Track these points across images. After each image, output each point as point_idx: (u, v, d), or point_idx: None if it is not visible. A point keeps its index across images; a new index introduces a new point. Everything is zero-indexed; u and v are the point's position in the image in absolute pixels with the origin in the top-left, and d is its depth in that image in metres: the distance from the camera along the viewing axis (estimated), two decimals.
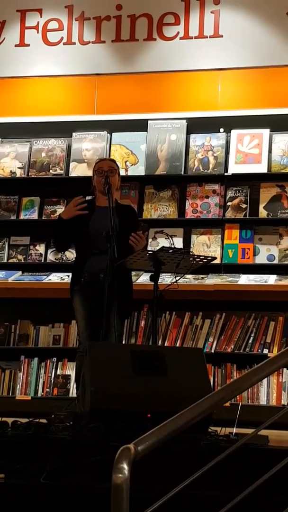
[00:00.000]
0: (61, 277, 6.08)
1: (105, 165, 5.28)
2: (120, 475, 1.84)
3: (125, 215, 5.21)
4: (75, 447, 3.80)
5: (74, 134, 6.67)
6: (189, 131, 6.49)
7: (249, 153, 6.37)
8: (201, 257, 5.07)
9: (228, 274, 6.16)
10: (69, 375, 6.13)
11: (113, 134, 6.63)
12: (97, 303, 5.01)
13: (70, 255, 5.62)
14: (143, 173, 6.52)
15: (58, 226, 5.31)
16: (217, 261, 6.07)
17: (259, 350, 5.97)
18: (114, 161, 5.57)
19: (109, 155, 6.46)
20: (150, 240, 6.25)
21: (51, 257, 6.45)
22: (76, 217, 5.20)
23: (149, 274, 4.92)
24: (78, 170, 6.55)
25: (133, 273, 5.40)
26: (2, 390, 6.31)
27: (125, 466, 1.86)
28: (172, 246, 5.56)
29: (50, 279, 6.28)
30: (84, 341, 5.14)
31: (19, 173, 6.71)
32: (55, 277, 6.25)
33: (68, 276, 5.48)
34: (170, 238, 5.83)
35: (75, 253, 5.31)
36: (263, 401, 5.84)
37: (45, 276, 6.34)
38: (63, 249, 5.54)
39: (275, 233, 6.27)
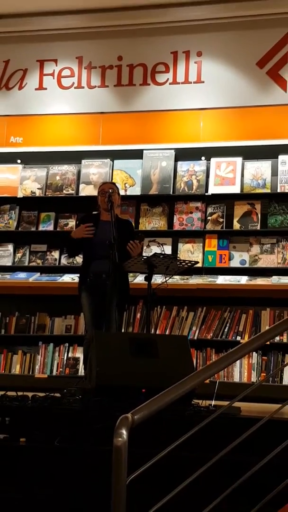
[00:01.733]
0: (72, 278, 6.06)
1: (107, 187, 5.28)
2: (120, 439, 1.85)
3: (123, 227, 5.21)
4: (83, 417, 3.80)
5: (83, 161, 6.66)
6: (176, 159, 6.49)
7: (225, 177, 6.37)
8: (186, 262, 5.07)
9: (208, 275, 6.16)
10: (78, 358, 6.12)
11: (115, 161, 6.62)
12: (100, 299, 5.00)
13: (79, 259, 5.60)
14: (139, 193, 6.51)
15: (69, 242, 5.33)
16: (199, 264, 6.10)
17: (233, 337, 5.96)
18: (114, 183, 5.59)
19: (112, 179, 6.46)
20: (145, 247, 6.23)
21: (63, 261, 6.43)
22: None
23: (144, 275, 4.91)
24: (86, 190, 6.54)
25: (130, 274, 5.39)
26: (23, 369, 6.30)
27: (124, 431, 1.87)
28: (163, 252, 5.54)
29: (63, 279, 6.27)
30: (90, 329, 5.13)
31: (38, 193, 6.69)
32: (67, 278, 6.23)
33: (77, 277, 5.47)
34: (161, 246, 5.82)
35: (83, 258, 5.31)
36: (236, 379, 5.83)
37: (59, 277, 6.33)
38: (74, 256, 5.54)
39: (246, 242, 6.27)
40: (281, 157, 6.25)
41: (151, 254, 5.12)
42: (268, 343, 5.61)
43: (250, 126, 6.25)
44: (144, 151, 6.52)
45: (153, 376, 3.87)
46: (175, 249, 6.37)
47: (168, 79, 6.49)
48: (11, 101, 6.78)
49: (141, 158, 6.54)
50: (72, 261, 5.97)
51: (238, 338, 5.95)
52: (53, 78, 6.74)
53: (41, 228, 6.67)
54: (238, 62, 6.32)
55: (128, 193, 6.47)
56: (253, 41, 6.28)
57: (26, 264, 6.62)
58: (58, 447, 3.46)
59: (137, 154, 6.55)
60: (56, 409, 3.98)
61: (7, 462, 3.44)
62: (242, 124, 6.28)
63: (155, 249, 6.16)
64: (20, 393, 4.28)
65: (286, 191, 6.18)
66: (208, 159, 6.44)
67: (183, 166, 6.48)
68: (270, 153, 6.30)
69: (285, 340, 5.79)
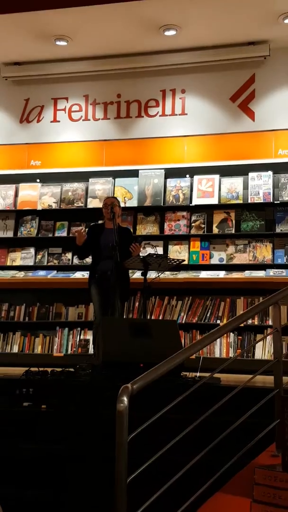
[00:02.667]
0: (82, 274, 6.04)
1: (109, 201, 5.29)
2: (122, 404, 1.85)
3: (123, 233, 5.22)
4: (92, 387, 3.81)
5: (90, 179, 6.64)
6: (166, 177, 6.47)
7: (206, 191, 6.36)
8: (175, 260, 5.06)
9: (193, 271, 6.16)
10: (89, 339, 6.11)
11: (116, 179, 6.60)
12: (106, 291, 5.01)
13: (88, 260, 5.58)
14: (136, 205, 6.48)
15: (75, 248, 5.37)
16: (185, 262, 6.07)
17: (214, 321, 5.95)
18: (116, 198, 5.59)
19: (113, 194, 6.45)
20: (142, 248, 6.23)
21: (75, 261, 6.42)
22: (91, 237, 5.23)
23: (140, 271, 4.91)
24: (93, 203, 6.53)
25: (130, 271, 5.38)
26: (44, 350, 6.28)
27: (125, 399, 1.87)
28: (156, 253, 5.55)
29: (75, 276, 6.26)
30: (98, 316, 5.14)
31: (54, 206, 6.67)
32: (78, 274, 6.22)
33: (87, 274, 5.46)
34: (154, 248, 5.85)
35: (91, 259, 5.30)
36: (217, 354, 5.82)
37: (71, 274, 6.32)
38: (83, 259, 5.52)
39: (223, 244, 6.26)
40: (251, 174, 6.24)
41: (146, 254, 5.12)
42: (242, 325, 5.63)
43: (225, 149, 6.26)
44: (140, 171, 6.51)
45: (148, 353, 3.87)
46: (165, 250, 6.35)
47: (158, 112, 6.49)
48: (31, 132, 6.77)
49: (137, 176, 6.52)
50: (82, 261, 5.96)
51: (218, 321, 5.94)
52: (65, 113, 6.73)
53: (56, 234, 6.66)
54: (214, 97, 6.33)
55: (127, 205, 6.46)
56: (226, 80, 6.29)
57: (45, 263, 6.60)
58: (72, 412, 3.48)
59: (134, 173, 6.53)
60: (70, 381, 4.01)
61: (31, 424, 3.46)
62: (218, 147, 6.28)
63: (149, 250, 6.16)
64: (41, 369, 4.29)
65: (255, 201, 6.17)
66: (191, 176, 6.43)
67: (171, 182, 6.47)
68: (241, 171, 6.29)
69: (256, 323, 5.79)
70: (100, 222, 5.42)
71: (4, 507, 2.52)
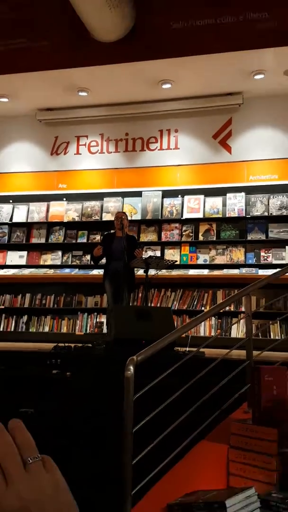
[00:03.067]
0: (98, 272, 6.05)
1: (119, 215, 5.31)
2: (129, 372, 1.85)
3: (130, 240, 5.23)
4: (106, 359, 3.82)
5: (104, 198, 6.65)
6: (163, 197, 6.48)
7: (193, 207, 6.37)
8: (170, 261, 5.08)
9: (183, 269, 6.16)
10: (103, 322, 6.11)
11: (124, 198, 6.61)
12: (117, 285, 5.01)
13: (103, 260, 5.57)
14: (139, 218, 6.49)
15: (92, 257, 5.35)
16: (178, 262, 6.08)
17: (200, 308, 5.96)
18: (124, 213, 5.60)
19: (122, 209, 6.45)
20: (144, 252, 6.24)
21: (92, 262, 6.45)
22: (105, 243, 5.25)
23: (143, 269, 4.92)
24: (107, 217, 6.53)
25: (135, 269, 5.39)
26: (68, 329, 6.29)
27: (131, 367, 1.87)
28: (155, 255, 5.56)
29: (92, 273, 6.26)
30: (110, 304, 5.15)
31: (76, 219, 6.68)
32: (95, 272, 6.23)
33: (102, 271, 5.47)
34: (154, 251, 5.86)
35: (105, 259, 5.30)
36: (202, 333, 5.82)
37: (90, 271, 6.33)
38: (97, 264, 5.47)
39: (207, 248, 6.26)
40: (228, 195, 6.24)
41: (147, 256, 5.13)
42: (221, 311, 5.64)
43: (208, 176, 6.26)
44: (143, 192, 6.51)
45: (149, 332, 3.88)
46: (162, 253, 6.35)
47: (157, 147, 6.50)
48: (59, 162, 6.77)
49: (141, 196, 6.53)
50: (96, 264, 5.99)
51: (203, 308, 5.95)
52: (85, 147, 6.74)
53: (78, 241, 6.67)
54: (200, 135, 6.33)
55: (133, 218, 6.46)
56: (210, 123, 6.29)
57: (69, 263, 6.61)
58: (90, 377, 3.48)
59: (138, 194, 6.54)
60: (89, 354, 4.01)
61: (60, 387, 3.46)
62: (203, 174, 6.29)
63: (150, 253, 6.18)
64: (66, 344, 4.30)
65: (232, 216, 6.18)
66: (182, 196, 6.44)
67: (167, 201, 6.48)
68: (221, 192, 6.29)
69: (232, 309, 5.80)
70: (112, 231, 5.42)
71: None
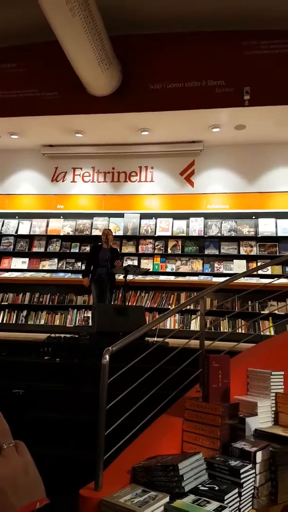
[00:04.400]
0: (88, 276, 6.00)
1: (105, 231, 5.28)
2: (105, 360, 1.82)
3: (113, 252, 5.20)
4: (90, 347, 3.75)
5: (94, 218, 6.62)
6: (141, 218, 6.48)
7: (164, 227, 6.40)
8: (144, 269, 5.08)
9: (155, 275, 6.16)
10: (89, 316, 6.05)
11: (110, 218, 6.59)
12: (101, 287, 4.97)
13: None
14: (122, 234, 6.47)
15: (83, 275, 5.27)
16: (151, 270, 6.10)
17: (167, 306, 5.97)
18: (110, 229, 5.57)
19: (108, 227, 6.43)
20: (124, 261, 6.21)
21: (83, 268, 6.38)
22: (93, 252, 5.19)
23: (123, 275, 4.90)
24: (95, 232, 6.48)
25: (116, 274, 5.36)
26: (60, 322, 6.19)
27: (107, 356, 1.84)
28: (133, 264, 5.54)
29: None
30: (95, 302, 5.09)
31: (71, 233, 6.62)
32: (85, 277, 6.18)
33: (90, 276, 5.41)
34: (132, 261, 5.84)
35: (93, 267, 5.24)
36: (167, 327, 5.82)
37: (80, 275, 6.25)
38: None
39: (174, 259, 6.29)
40: (191, 219, 6.31)
41: (127, 264, 5.11)
42: (183, 309, 5.65)
43: (176, 203, 6.32)
44: (125, 214, 6.51)
45: (126, 326, 3.86)
46: (139, 262, 6.34)
47: (136, 179, 6.52)
48: (58, 187, 6.71)
49: (123, 217, 6.53)
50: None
51: (169, 306, 5.96)
52: (80, 177, 6.70)
53: (72, 251, 6.59)
54: (170, 172, 6.40)
55: (116, 234, 6.44)
56: (177, 163, 6.36)
57: (64, 269, 6.52)
58: (76, 362, 3.41)
59: (121, 215, 6.53)
60: (76, 343, 3.93)
61: (50, 369, 3.38)
62: (172, 202, 6.34)
63: (129, 262, 6.16)
64: (57, 335, 4.21)
65: (193, 235, 6.23)
66: (156, 218, 6.46)
67: (144, 221, 6.49)
68: (185, 216, 6.35)
69: (192, 308, 5.82)
70: (99, 243, 5.38)
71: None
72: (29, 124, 5.80)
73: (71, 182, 6.70)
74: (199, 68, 5.19)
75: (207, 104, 5.14)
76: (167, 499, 1.51)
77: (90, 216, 6.63)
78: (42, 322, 6.22)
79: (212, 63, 5.17)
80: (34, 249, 6.68)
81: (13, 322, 6.26)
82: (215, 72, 5.15)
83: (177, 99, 5.19)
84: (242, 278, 3.18)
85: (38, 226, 6.74)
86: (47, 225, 6.73)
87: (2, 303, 6.37)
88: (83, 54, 4.43)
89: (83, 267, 5.64)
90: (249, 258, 6.03)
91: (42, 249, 6.66)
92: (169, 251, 6.31)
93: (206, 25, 5.09)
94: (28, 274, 6.41)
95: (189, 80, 5.21)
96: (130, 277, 5.02)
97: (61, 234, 6.63)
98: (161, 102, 5.22)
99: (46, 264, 6.59)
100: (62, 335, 4.23)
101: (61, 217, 6.72)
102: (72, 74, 4.93)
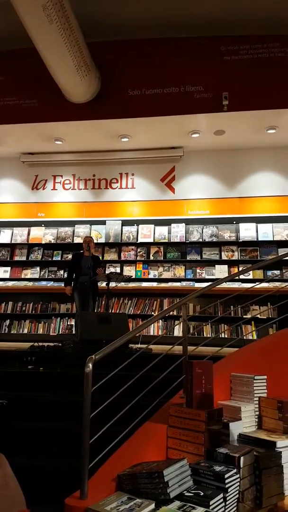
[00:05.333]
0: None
1: (87, 239, 5.28)
2: (88, 368, 1.81)
3: (95, 259, 5.19)
4: (73, 356, 3.72)
5: (76, 225, 6.59)
6: (122, 225, 6.49)
7: (146, 234, 6.42)
8: (127, 276, 5.07)
9: (138, 282, 6.16)
10: (72, 325, 6.00)
11: (92, 225, 6.57)
12: (84, 295, 4.95)
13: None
14: (104, 241, 6.46)
15: (65, 283, 5.20)
16: (133, 277, 6.10)
17: (150, 313, 5.98)
18: (91, 237, 5.55)
19: (90, 234, 6.42)
20: (107, 269, 6.20)
21: (65, 276, 6.33)
22: (74, 260, 5.15)
23: (105, 282, 4.89)
24: (77, 240, 6.45)
25: (99, 282, 5.35)
26: (44, 331, 6.11)
27: (90, 365, 1.84)
28: (115, 271, 5.53)
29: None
30: (78, 310, 5.06)
31: (53, 241, 6.56)
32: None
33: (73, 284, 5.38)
34: (115, 268, 5.83)
35: (75, 275, 5.21)
36: (151, 333, 5.82)
37: (62, 284, 6.18)
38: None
39: (156, 266, 6.31)
40: (172, 225, 6.36)
41: (108, 272, 5.10)
42: (166, 315, 5.67)
43: (157, 209, 6.35)
44: (107, 221, 6.50)
45: (109, 334, 3.84)
46: (121, 269, 6.34)
47: (117, 186, 6.53)
48: (39, 195, 6.66)
49: (105, 224, 6.52)
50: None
51: (152, 313, 5.97)
52: (60, 184, 6.67)
53: (54, 259, 6.54)
54: (151, 179, 6.44)
55: (99, 241, 6.43)
56: (158, 169, 6.41)
57: (46, 277, 6.46)
58: (60, 372, 3.37)
59: (103, 222, 6.52)
60: (59, 352, 3.89)
61: (33, 380, 3.33)
62: (153, 208, 6.37)
63: (111, 269, 6.16)
64: (41, 344, 4.16)
65: (175, 241, 6.28)
66: (137, 225, 6.48)
67: (125, 228, 6.50)
68: (167, 222, 6.39)
69: (175, 314, 5.84)
70: (81, 251, 5.36)
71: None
72: (8, 132, 5.75)
73: (51, 189, 6.66)
74: (177, 73, 5.27)
75: (186, 110, 5.22)
76: (152, 506, 1.52)
77: (71, 223, 6.59)
78: (26, 331, 6.13)
79: (190, 69, 5.25)
80: (16, 258, 6.59)
81: None
82: (194, 78, 5.24)
83: (156, 105, 5.25)
84: (224, 283, 3.23)
85: (19, 235, 6.67)
86: (29, 234, 6.67)
87: None
88: (61, 61, 4.45)
89: (66, 276, 5.59)
90: (230, 263, 6.11)
91: (24, 258, 6.59)
92: (151, 258, 6.34)
93: (184, 30, 5.19)
94: (10, 283, 6.31)
95: (168, 86, 5.29)
96: (112, 284, 5.01)
97: (43, 242, 6.57)
98: (140, 108, 5.27)
99: (28, 273, 6.51)
100: (46, 344, 4.18)
101: (42, 225, 6.66)
102: (50, 81, 4.93)
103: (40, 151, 6.46)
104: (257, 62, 5.17)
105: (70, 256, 6.41)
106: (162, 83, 5.30)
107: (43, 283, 6.31)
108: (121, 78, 5.35)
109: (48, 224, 6.65)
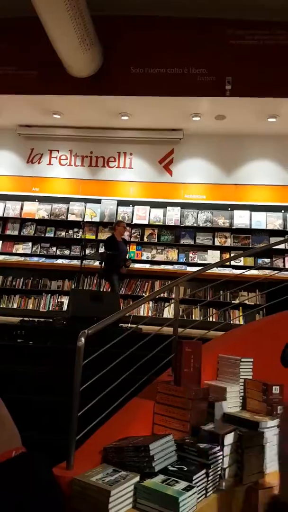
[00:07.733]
0: (62, 261, 5.93)
1: (124, 224, 5.52)
2: (80, 343, 1.81)
3: (126, 243, 5.47)
4: (64, 331, 3.72)
5: (70, 202, 6.49)
6: (118, 205, 6.42)
7: (141, 215, 6.38)
8: (130, 260, 5.05)
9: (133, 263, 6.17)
10: (63, 301, 5.99)
11: (87, 204, 6.48)
12: (120, 277, 5.25)
13: (67, 252, 5.41)
14: (98, 221, 6.40)
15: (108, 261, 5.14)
16: (127, 258, 6.07)
17: (141, 294, 6.00)
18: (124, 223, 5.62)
19: (84, 213, 6.35)
20: (101, 248, 6.15)
21: (58, 252, 6.27)
22: (111, 248, 5.17)
23: (98, 261, 4.86)
24: (71, 217, 6.39)
25: (92, 261, 5.31)
26: (34, 306, 6.09)
27: (82, 339, 1.83)
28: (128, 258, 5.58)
29: (57, 262, 6.11)
30: (117, 288, 5.28)
31: (46, 217, 6.47)
32: (60, 261, 6.09)
33: (67, 260, 5.32)
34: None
35: (113, 258, 5.17)
36: (141, 314, 5.84)
37: (55, 260, 6.17)
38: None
39: (149, 248, 6.30)
40: (168, 208, 6.31)
41: (102, 252, 5.07)
42: (157, 297, 5.70)
43: (154, 191, 6.29)
44: (102, 200, 6.42)
45: (100, 311, 3.83)
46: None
47: (115, 165, 6.43)
48: (34, 169, 6.52)
49: (100, 203, 6.43)
50: (69, 254, 5.83)
51: (143, 294, 5.99)
52: (56, 159, 6.54)
53: (47, 235, 6.45)
54: (149, 159, 6.35)
55: (93, 220, 6.36)
56: (157, 150, 6.33)
57: (38, 253, 6.39)
58: (49, 346, 3.38)
59: (98, 201, 6.43)
60: (50, 327, 3.89)
61: (23, 353, 3.34)
62: (150, 190, 6.31)
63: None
64: (31, 319, 4.15)
65: (169, 224, 6.25)
66: (133, 206, 6.42)
67: (121, 209, 6.43)
68: (162, 205, 6.35)
69: (165, 296, 5.87)
70: (110, 236, 5.43)
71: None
72: (5, 102, 5.56)
73: (47, 164, 6.52)
74: (181, 54, 5.13)
75: (188, 92, 5.10)
76: (137, 478, 1.54)
77: (66, 200, 6.48)
78: (15, 306, 6.11)
79: (195, 50, 5.11)
80: (8, 232, 6.50)
81: None
82: (197, 60, 5.11)
83: (158, 85, 5.12)
84: (215, 268, 3.23)
85: (12, 209, 6.55)
86: (22, 208, 6.55)
87: None
88: (64, 32, 4.27)
89: (66, 252, 5.50)
90: (223, 249, 6.13)
91: (16, 232, 6.49)
92: (145, 240, 6.31)
93: (191, 10, 5.01)
94: (1, 257, 6.24)
95: (171, 66, 5.15)
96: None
97: (36, 217, 6.48)
98: (141, 86, 5.14)
99: (20, 248, 6.43)
100: (36, 319, 4.17)
101: (36, 200, 6.54)
102: (52, 53, 4.74)
103: (37, 124, 6.29)
104: (263, 48, 5.04)
105: (63, 234, 6.36)
106: (165, 63, 5.15)
107: (35, 258, 6.25)
108: (125, 55, 5.18)
109: (42, 200, 6.53)
